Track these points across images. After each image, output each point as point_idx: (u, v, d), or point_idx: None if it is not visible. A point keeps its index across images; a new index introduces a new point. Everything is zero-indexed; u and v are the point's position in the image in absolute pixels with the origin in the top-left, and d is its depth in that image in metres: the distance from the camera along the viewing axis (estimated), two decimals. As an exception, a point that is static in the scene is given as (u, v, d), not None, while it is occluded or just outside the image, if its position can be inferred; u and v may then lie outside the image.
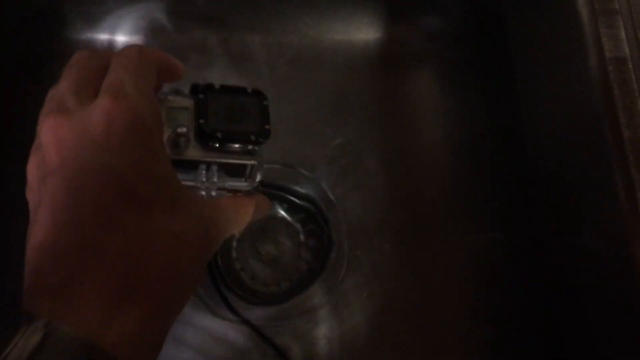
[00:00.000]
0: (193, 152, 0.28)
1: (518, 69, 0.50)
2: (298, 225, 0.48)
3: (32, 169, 0.24)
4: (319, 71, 0.51)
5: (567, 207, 0.44)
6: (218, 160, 0.28)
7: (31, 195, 0.24)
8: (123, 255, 0.22)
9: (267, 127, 0.29)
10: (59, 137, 0.23)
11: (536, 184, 0.49)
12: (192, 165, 0.28)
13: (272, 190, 0.48)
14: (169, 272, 0.23)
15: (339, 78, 0.52)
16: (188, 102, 0.28)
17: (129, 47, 0.26)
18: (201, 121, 0.28)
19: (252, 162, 0.29)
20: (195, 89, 0.29)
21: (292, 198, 0.48)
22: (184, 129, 0.27)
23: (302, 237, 0.48)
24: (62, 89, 0.25)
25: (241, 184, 0.29)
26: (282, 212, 0.48)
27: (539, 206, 0.48)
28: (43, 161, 0.23)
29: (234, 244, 0.47)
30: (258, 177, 0.30)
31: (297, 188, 0.48)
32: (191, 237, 0.24)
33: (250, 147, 0.29)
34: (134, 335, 0.21)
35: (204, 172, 0.28)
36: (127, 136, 0.23)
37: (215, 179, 0.28)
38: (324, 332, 0.45)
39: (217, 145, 0.28)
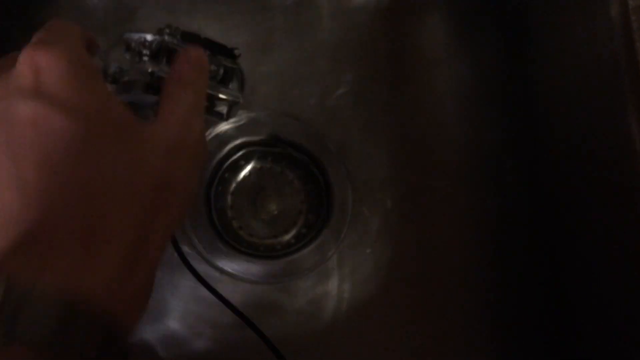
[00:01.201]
0: None
1: (532, 18, 0.48)
2: (298, 182, 0.47)
3: None
4: (318, 16, 0.49)
5: (577, 170, 0.43)
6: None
7: None
8: (82, 198, 0.21)
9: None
10: None
11: (546, 141, 0.47)
12: None
13: (272, 144, 0.46)
14: (140, 202, 0.22)
15: (340, 24, 0.49)
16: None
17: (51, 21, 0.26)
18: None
19: (234, 65, 0.33)
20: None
21: (292, 151, 0.46)
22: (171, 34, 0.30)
23: (302, 193, 0.46)
24: None
25: (231, 92, 0.33)
26: (282, 167, 0.46)
27: (548, 168, 0.47)
28: None
29: (230, 202, 0.46)
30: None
31: (297, 141, 0.46)
32: (158, 160, 0.23)
33: (229, 61, 0.33)
34: (111, 280, 0.21)
35: None
36: (57, 75, 0.22)
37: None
38: (325, 288, 0.44)
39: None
